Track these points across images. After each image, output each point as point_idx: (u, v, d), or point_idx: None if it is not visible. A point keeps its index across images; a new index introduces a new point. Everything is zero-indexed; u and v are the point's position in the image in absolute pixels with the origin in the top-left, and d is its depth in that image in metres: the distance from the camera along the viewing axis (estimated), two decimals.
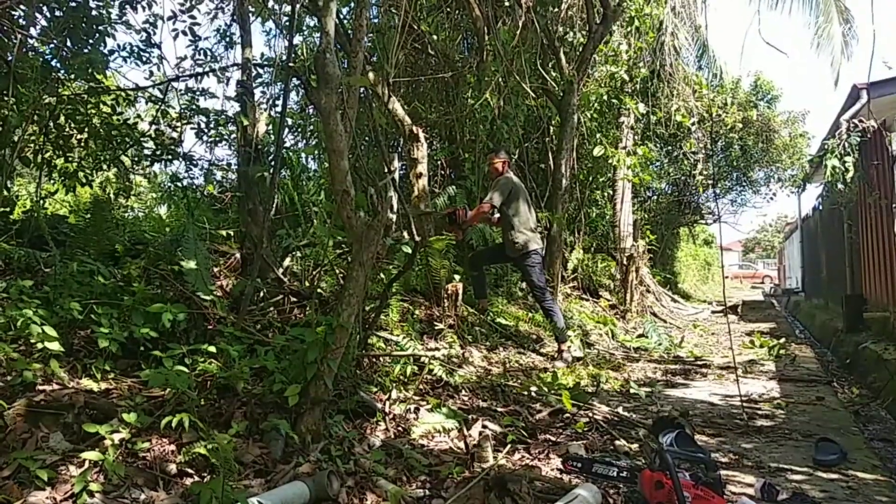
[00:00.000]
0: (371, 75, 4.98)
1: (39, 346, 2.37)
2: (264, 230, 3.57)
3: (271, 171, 3.83)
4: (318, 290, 4.01)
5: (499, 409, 3.44)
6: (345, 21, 6.02)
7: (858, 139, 6.40)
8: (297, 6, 3.99)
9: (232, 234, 4.60)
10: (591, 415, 3.47)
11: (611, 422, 3.41)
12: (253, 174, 4.09)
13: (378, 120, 5.01)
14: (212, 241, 4.40)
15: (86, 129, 4.30)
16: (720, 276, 32.94)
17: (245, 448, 2.33)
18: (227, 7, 6.41)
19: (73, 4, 3.77)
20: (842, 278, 8.04)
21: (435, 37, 7.21)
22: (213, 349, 2.72)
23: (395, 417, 3.05)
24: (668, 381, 4.89)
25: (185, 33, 4.97)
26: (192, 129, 4.99)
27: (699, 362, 5.76)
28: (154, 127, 4.86)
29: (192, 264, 3.26)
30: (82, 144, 4.40)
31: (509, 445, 2.88)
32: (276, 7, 5.62)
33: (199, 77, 5.07)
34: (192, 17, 4.97)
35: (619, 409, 3.72)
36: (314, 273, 4.24)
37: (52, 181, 4.55)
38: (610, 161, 8.33)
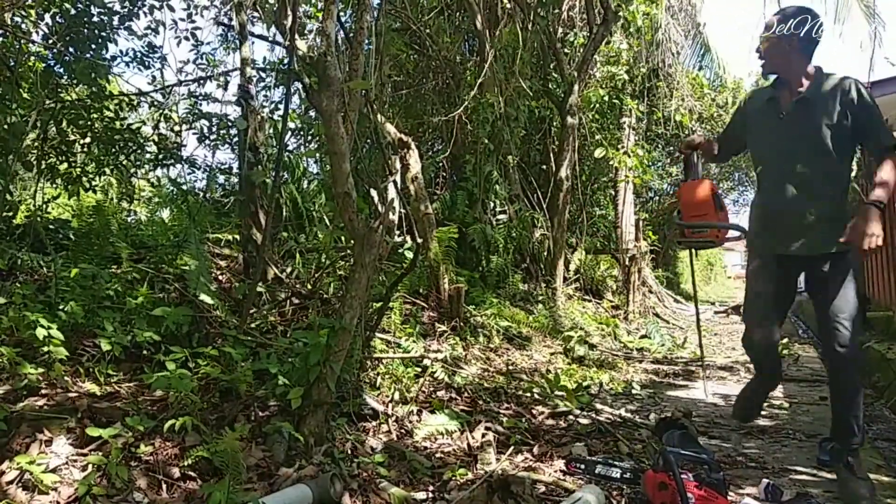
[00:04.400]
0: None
1: (43, 349, 2.38)
2: (266, 233, 3.58)
3: (273, 174, 3.84)
4: (321, 293, 4.02)
5: (501, 411, 3.43)
6: (345, 24, 6.04)
7: None
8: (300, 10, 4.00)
9: (237, 238, 4.60)
10: (593, 416, 3.47)
11: (613, 423, 3.40)
12: (254, 178, 4.10)
13: (375, 124, 5.00)
14: (214, 244, 4.41)
15: (88, 134, 4.31)
16: (723, 276, 32.89)
17: (248, 451, 2.34)
18: (229, 12, 6.42)
19: (74, 12, 3.78)
20: None
21: (437, 39, 7.22)
22: (215, 352, 2.73)
23: (398, 420, 3.05)
24: (670, 381, 4.88)
25: (187, 38, 4.99)
26: (193, 133, 5.00)
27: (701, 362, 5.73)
28: (156, 131, 4.88)
29: (193, 268, 3.27)
30: (85, 149, 4.42)
31: (512, 447, 2.88)
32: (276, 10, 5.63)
33: (201, 82, 5.09)
34: (193, 21, 4.99)
35: (622, 411, 3.71)
36: (316, 275, 4.25)
37: (54, 186, 4.57)
38: (611, 163, 8.34)
